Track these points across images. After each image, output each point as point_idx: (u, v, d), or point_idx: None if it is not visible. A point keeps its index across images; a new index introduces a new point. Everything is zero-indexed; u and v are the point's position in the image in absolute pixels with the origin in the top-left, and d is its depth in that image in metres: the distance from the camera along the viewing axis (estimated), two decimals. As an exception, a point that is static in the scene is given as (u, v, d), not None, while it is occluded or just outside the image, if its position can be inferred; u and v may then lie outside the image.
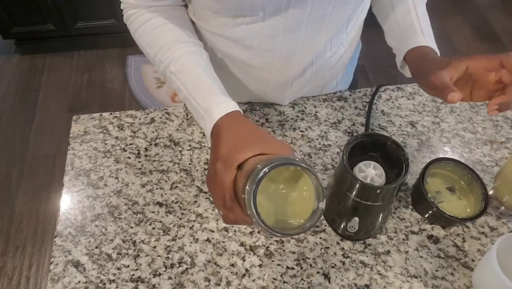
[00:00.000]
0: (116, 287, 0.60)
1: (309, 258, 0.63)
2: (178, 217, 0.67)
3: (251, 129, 0.52)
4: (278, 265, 0.63)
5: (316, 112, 0.82)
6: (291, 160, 0.43)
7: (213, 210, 0.68)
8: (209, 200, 0.69)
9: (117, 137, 0.77)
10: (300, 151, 0.75)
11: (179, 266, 0.62)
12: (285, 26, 0.63)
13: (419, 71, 0.62)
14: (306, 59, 0.71)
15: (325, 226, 0.67)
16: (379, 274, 0.62)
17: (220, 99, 0.56)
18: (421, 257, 0.64)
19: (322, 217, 0.67)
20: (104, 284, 0.60)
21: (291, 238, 0.65)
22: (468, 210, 0.66)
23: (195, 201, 0.69)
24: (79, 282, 0.60)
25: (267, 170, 0.41)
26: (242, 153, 0.47)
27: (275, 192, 0.46)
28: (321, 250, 0.64)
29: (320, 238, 0.65)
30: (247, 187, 0.42)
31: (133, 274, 0.61)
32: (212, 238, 0.65)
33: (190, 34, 0.65)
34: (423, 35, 0.66)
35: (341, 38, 0.72)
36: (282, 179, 0.47)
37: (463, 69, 0.56)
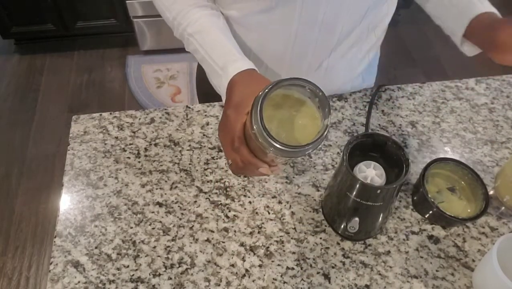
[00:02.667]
0: (116, 288, 0.60)
1: (309, 258, 0.63)
2: (178, 217, 0.67)
3: (263, 81, 0.54)
4: (278, 265, 0.63)
5: (316, 112, 0.82)
6: (292, 78, 0.45)
7: (213, 210, 0.68)
8: (209, 200, 0.69)
9: (116, 137, 0.77)
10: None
11: (179, 267, 0.62)
12: (300, 18, 0.65)
13: (489, 34, 0.63)
14: (321, 54, 0.72)
15: (325, 226, 0.66)
16: (380, 274, 0.62)
17: (236, 58, 0.59)
18: (422, 257, 0.64)
19: (323, 218, 0.67)
20: (104, 284, 0.60)
21: (291, 239, 0.65)
22: (469, 210, 0.66)
23: (195, 201, 0.69)
24: (78, 282, 0.60)
25: (267, 90, 0.43)
26: (252, 100, 0.48)
27: (281, 120, 0.48)
28: (321, 250, 0.64)
29: (320, 238, 0.65)
30: (253, 109, 0.44)
31: (133, 275, 0.61)
32: (212, 238, 0.65)
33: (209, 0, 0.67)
34: (482, 3, 0.67)
35: (360, 39, 0.73)
36: (287, 107, 0.48)
37: None
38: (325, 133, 0.46)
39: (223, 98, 0.59)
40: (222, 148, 0.61)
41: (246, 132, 0.49)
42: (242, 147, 0.50)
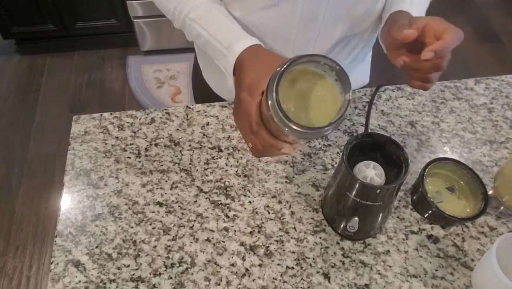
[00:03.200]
0: (117, 287, 0.60)
1: (309, 258, 0.63)
2: (178, 217, 0.67)
3: (273, 57, 0.53)
4: (278, 264, 0.63)
5: (316, 112, 0.82)
6: (308, 55, 0.42)
7: (213, 210, 0.68)
8: (209, 200, 0.69)
9: (117, 137, 0.77)
10: (300, 151, 0.75)
11: (179, 266, 0.62)
12: (302, 15, 0.65)
13: (387, 28, 0.62)
14: (320, 53, 0.72)
15: (325, 226, 0.67)
16: (379, 273, 0.62)
17: (240, 36, 0.59)
18: (421, 256, 0.64)
19: (322, 217, 0.67)
20: (105, 283, 0.61)
21: (291, 238, 0.65)
22: (468, 210, 0.66)
23: (195, 201, 0.69)
24: (79, 281, 0.61)
25: (282, 69, 0.41)
26: (265, 80, 0.47)
27: (299, 98, 0.46)
28: (321, 249, 0.64)
29: (320, 238, 0.65)
30: (268, 89, 0.42)
31: (134, 274, 0.61)
32: (212, 238, 0.65)
33: None
34: (411, 4, 0.65)
35: (356, 37, 0.73)
36: (303, 83, 0.46)
37: (423, 24, 0.55)
38: (347, 110, 0.43)
39: (230, 80, 0.58)
40: (240, 133, 0.58)
41: (262, 113, 0.48)
42: (261, 130, 0.48)
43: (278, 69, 0.42)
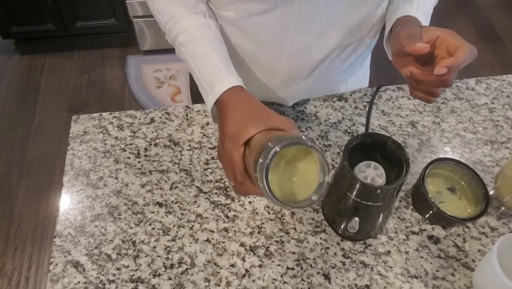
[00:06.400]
0: (116, 288, 0.60)
1: (309, 259, 0.63)
2: (178, 217, 0.67)
3: (254, 106, 0.54)
4: (278, 265, 0.62)
5: (316, 112, 0.82)
6: (299, 140, 0.45)
7: (213, 210, 0.68)
8: (209, 200, 0.69)
9: (116, 137, 0.77)
10: None
11: (179, 267, 0.62)
12: (297, 21, 0.64)
13: (395, 34, 0.60)
14: (315, 60, 0.71)
15: (325, 226, 0.66)
16: (380, 274, 0.62)
17: (222, 74, 0.58)
18: (422, 257, 0.64)
19: (323, 218, 0.67)
20: (104, 284, 0.60)
21: (291, 239, 0.65)
22: (469, 210, 0.66)
23: (195, 201, 0.69)
24: (78, 282, 0.60)
25: (278, 149, 0.44)
26: (247, 131, 0.49)
27: (283, 168, 0.49)
28: (321, 250, 0.64)
29: (320, 238, 0.65)
30: (259, 162, 0.44)
31: (133, 275, 0.61)
32: (212, 239, 0.65)
33: (201, 5, 0.66)
34: (417, 9, 0.63)
35: (354, 43, 0.72)
36: (289, 155, 0.49)
37: (435, 36, 0.54)
38: (325, 191, 0.47)
39: (209, 114, 0.60)
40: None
41: (246, 164, 0.50)
42: (246, 182, 0.50)
43: (271, 145, 0.44)
